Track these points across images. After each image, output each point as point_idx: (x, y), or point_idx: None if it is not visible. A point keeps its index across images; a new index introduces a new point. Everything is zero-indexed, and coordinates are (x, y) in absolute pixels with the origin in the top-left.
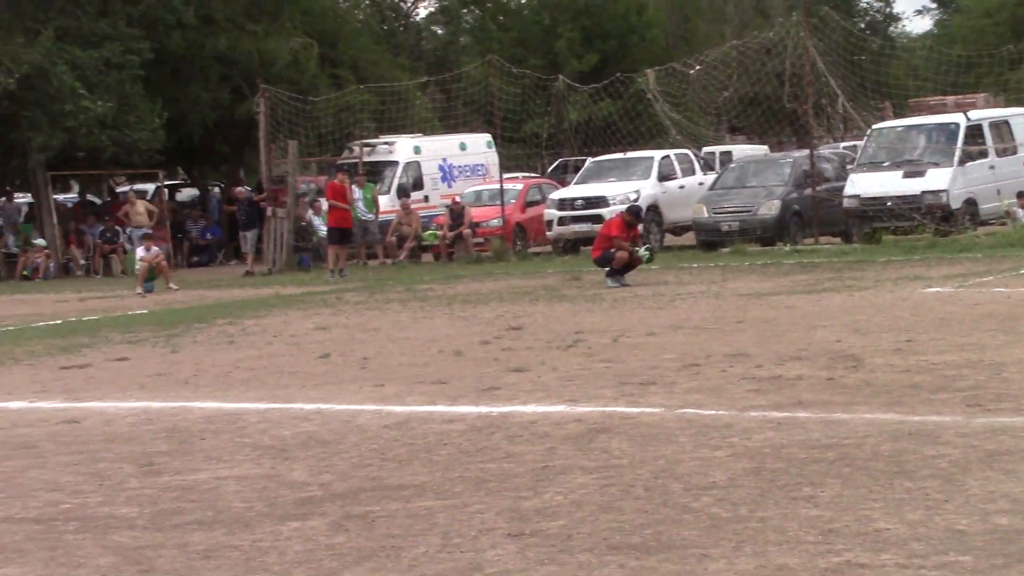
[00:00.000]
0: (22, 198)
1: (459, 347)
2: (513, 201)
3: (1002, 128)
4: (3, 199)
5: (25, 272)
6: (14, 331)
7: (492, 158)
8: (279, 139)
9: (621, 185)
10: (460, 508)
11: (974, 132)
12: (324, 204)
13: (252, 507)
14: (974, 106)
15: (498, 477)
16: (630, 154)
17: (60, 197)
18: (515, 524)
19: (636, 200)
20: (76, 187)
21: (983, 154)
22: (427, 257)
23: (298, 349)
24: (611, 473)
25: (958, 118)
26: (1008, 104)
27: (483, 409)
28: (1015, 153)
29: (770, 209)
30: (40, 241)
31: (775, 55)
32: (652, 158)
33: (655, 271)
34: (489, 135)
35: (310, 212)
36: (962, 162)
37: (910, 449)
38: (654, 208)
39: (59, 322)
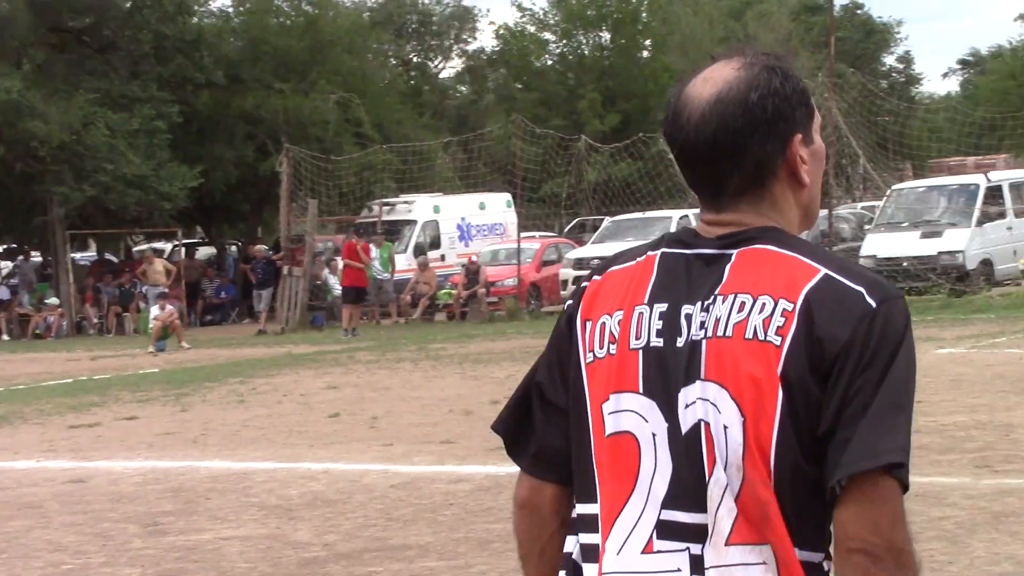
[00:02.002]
0: (37, 258)
1: (469, 407)
2: (529, 260)
3: (1022, 189)
4: (20, 258)
5: (37, 331)
6: (24, 390)
7: (511, 217)
8: (299, 197)
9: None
10: (463, 569)
11: (994, 193)
12: (340, 263)
13: (255, 568)
14: (994, 167)
15: (502, 538)
16: (648, 214)
17: (77, 256)
18: None
19: None
20: (94, 246)
21: (1002, 215)
22: (441, 316)
23: (308, 408)
24: None
25: (978, 179)
26: None
27: (491, 469)
28: None
29: None
30: (53, 300)
31: None
32: (670, 218)
33: None
34: (508, 195)
35: (326, 271)
36: (980, 223)
37: (916, 511)
38: None
39: (70, 381)
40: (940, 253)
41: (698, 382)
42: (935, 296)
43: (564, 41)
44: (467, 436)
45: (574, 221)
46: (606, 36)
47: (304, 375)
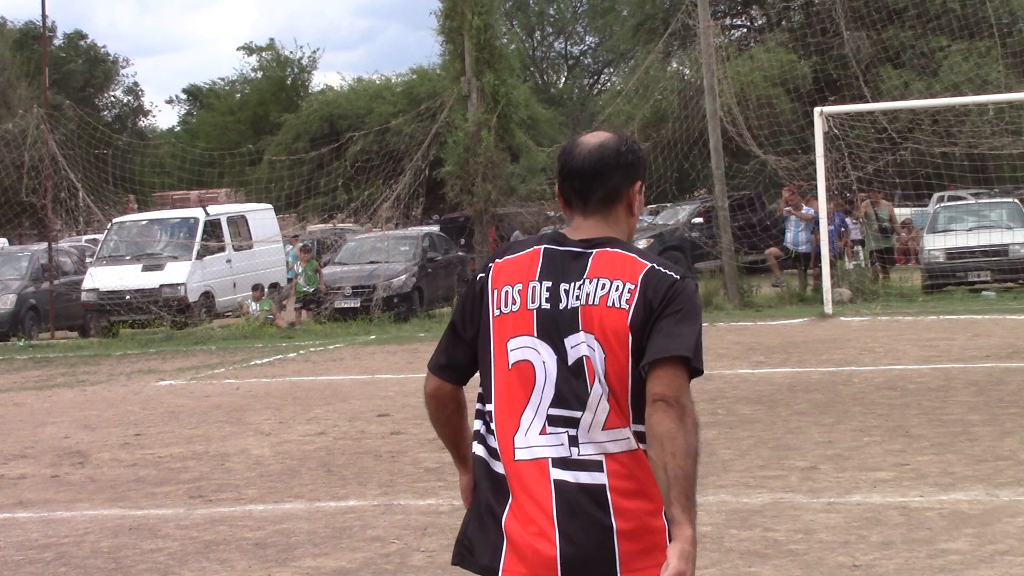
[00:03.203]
0: None
1: None
2: None
3: (240, 223)
4: None
5: None
6: None
7: None
8: None
9: None
10: None
11: (213, 226)
12: None
13: None
14: (216, 201)
15: None
16: None
17: None
18: None
19: None
20: None
21: (221, 248)
22: None
23: None
24: None
25: (198, 213)
26: (248, 200)
27: None
28: (251, 247)
29: (5, 304)
30: None
31: (15, 147)
32: None
33: None
34: None
35: None
36: (200, 256)
37: (130, 544)
38: None
39: None
40: (162, 286)
41: (581, 332)
42: (158, 329)
43: None
44: None
45: None
46: None
47: None
